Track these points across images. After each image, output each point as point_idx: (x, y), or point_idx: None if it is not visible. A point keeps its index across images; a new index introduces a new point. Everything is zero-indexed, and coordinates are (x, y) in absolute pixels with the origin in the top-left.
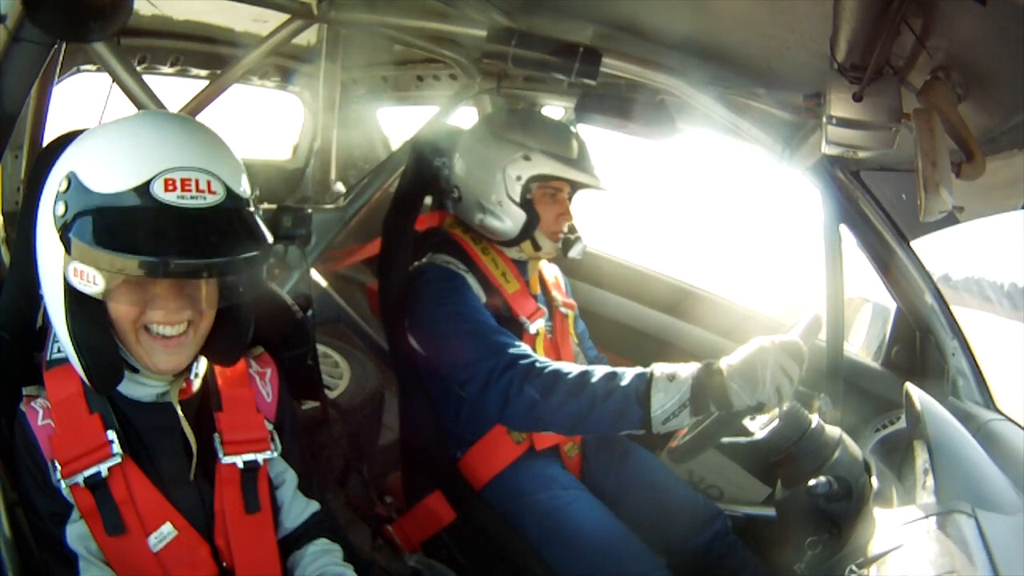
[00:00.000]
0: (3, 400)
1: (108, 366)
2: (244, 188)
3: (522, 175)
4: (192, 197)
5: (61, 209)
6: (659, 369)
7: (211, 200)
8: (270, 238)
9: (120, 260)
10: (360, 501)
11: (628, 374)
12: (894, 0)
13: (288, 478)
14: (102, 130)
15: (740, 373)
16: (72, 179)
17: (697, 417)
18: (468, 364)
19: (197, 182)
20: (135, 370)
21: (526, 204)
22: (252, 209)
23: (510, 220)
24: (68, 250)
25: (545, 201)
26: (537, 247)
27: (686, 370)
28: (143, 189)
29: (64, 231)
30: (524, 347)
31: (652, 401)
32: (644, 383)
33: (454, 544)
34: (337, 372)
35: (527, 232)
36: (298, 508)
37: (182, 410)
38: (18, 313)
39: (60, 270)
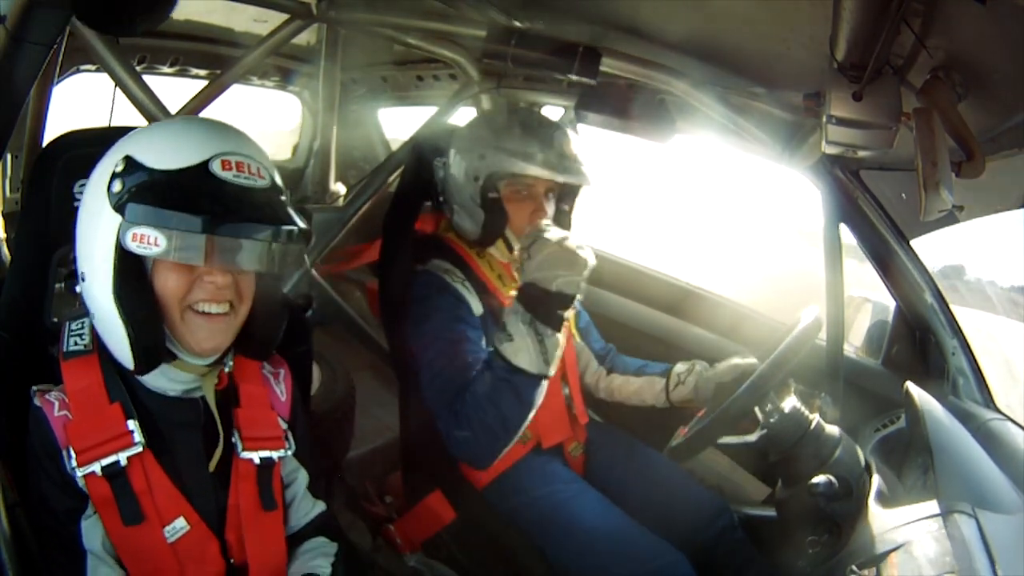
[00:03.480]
0: (5, 399)
1: (154, 340)
2: (281, 184)
3: (479, 175)
4: (246, 178)
5: (118, 186)
6: (494, 338)
7: (260, 183)
8: (305, 225)
9: (185, 218)
10: (360, 501)
11: (490, 357)
12: (894, 0)
13: (299, 477)
14: (155, 124)
15: (546, 266)
16: (128, 160)
17: (558, 330)
18: (432, 403)
19: (249, 166)
20: (172, 358)
21: (489, 204)
22: (286, 200)
23: (471, 220)
24: (126, 217)
25: (516, 199)
26: (511, 248)
27: (509, 310)
28: (203, 166)
29: (121, 202)
30: (463, 380)
31: (519, 363)
32: (498, 358)
33: (454, 544)
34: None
35: (490, 232)
36: (306, 507)
37: (206, 404)
38: (19, 312)
39: (112, 239)
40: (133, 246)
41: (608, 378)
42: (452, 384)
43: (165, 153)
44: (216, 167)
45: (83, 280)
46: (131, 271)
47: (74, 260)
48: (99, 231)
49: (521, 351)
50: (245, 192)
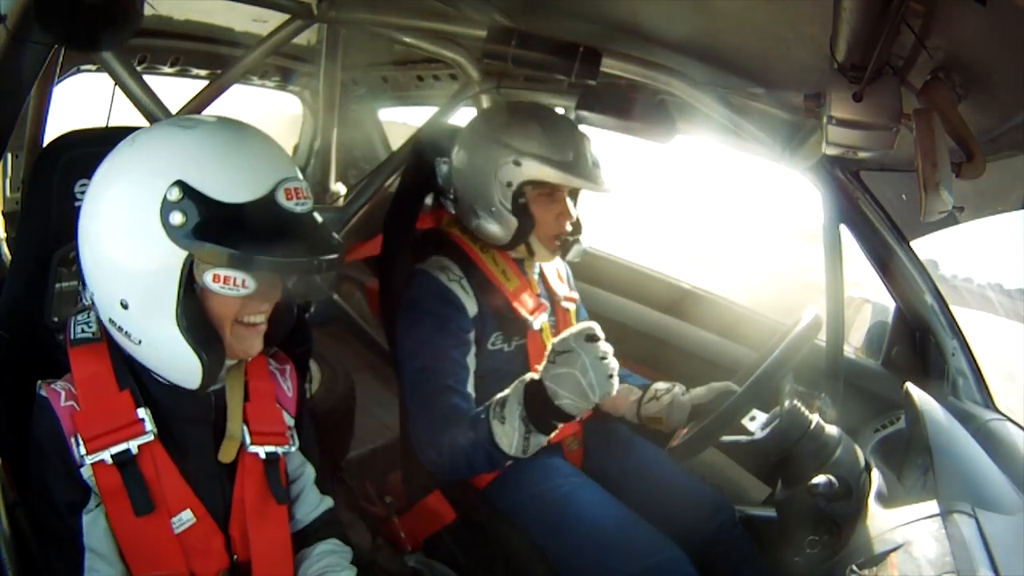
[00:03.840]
0: (5, 399)
1: (219, 358)
2: None
3: (513, 181)
4: (303, 203)
5: (179, 218)
6: (492, 405)
7: (311, 205)
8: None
9: (284, 263)
10: (360, 501)
11: (480, 420)
12: (894, 0)
13: (306, 471)
14: (193, 138)
15: (561, 382)
16: (185, 188)
17: (547, 435)
18: (410, 411)
19: (301, 190)
20: None
21: (519, 209)
22: None
23: (502, 226)
24: (200, 257)
25: (542, 202)
26: (531, 252)
27: (513, 393)
28: (270, 198)
29: (187, 237)
30: (444, 402)
31: (500, 443)
32: (485, 427)
33: (454, 543)
34: (307, 375)
35: (520, 237)
36: (312, 502)
37: (217, 399)
38: (19, 312)
39: (178, 274)
40: (215, 287)
41: None
42: (432, 403)
43: (227, 182)
44: (282, 198)
45: (125, 308)
46: (191, 299)
47: (83, 281)
48: (156, 262)
49: (506, 436)
50: (307, 221)
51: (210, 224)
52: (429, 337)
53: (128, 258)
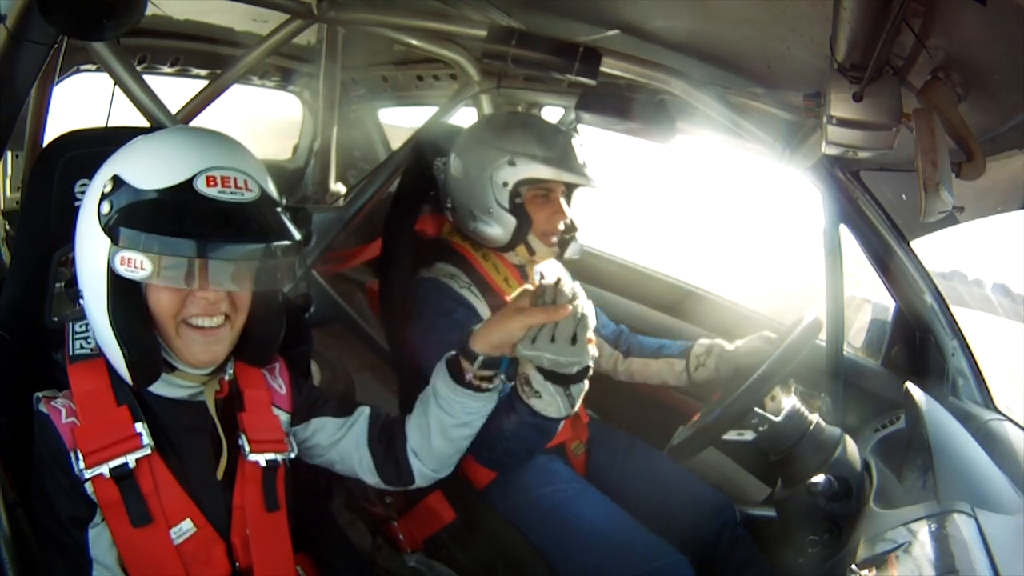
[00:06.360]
0: (5, 400)
1: (149, 357)
2: (274, 191)
3: (508, 181)
4: (232, 192)
5: (107, 208)
6: (519, 385)
7: (248, 196)
8: (298, 236)
9: (170, 242)
10: (360, 501)
11: (513, 403)
12: (894, 0)
13: (326, 425)
14: (143, 139)
15: (559, 364)
16: (116, 180)
17: (583, 381)
18: None
19: (235, 180)
20: (171, 368)
21: (516, 209)
22: (280, 210)
23: (501, 227)
24: (115, 241)
25: (537, 203)
26: (532, 251)
27: (530, 370)
28: (186, 185)
29: (109, 226)
30: None
31: (547, 413)
32: (524, 408)
33: (454, 544)
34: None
35: (519, 237)
36: (359, 424)
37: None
38: (19, 312)
39: (104, 261)
40: (121, 270)
41: (626, 361)
42: None
43: (150, 171)
44: (201, 185)
45: (82, 298)
46: (125, 291)
47: (75, 275)
48: (92, 253)
49: (550, 406)
50: (232, 209)
51: (128, 211)
52: (447, 339)
53: (80, 250)
